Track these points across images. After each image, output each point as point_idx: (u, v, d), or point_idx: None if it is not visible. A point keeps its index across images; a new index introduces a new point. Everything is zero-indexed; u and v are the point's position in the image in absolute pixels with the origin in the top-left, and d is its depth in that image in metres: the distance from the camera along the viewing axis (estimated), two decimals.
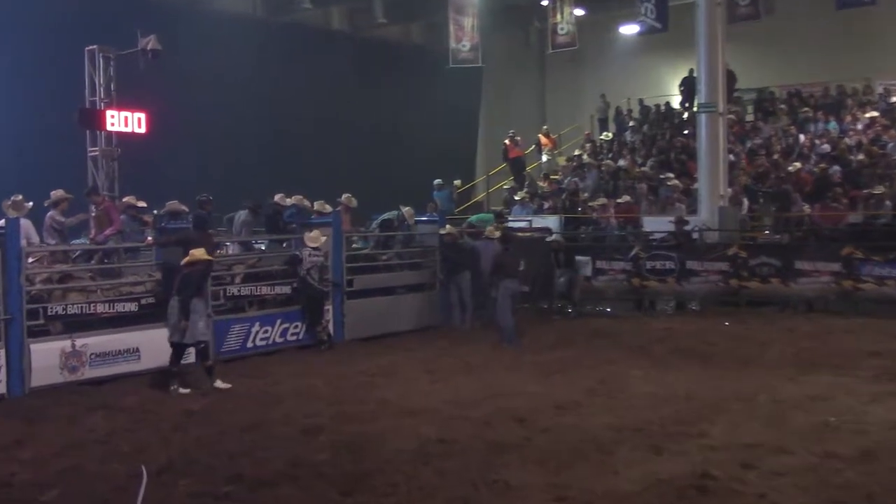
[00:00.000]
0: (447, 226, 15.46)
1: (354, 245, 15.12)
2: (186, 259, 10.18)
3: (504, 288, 12.94)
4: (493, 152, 26.44)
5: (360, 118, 23.58)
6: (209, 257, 10.34)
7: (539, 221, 18.83)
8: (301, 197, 15.07)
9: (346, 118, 23.15)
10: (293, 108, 22.60)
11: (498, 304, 12.97)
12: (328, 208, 14.83)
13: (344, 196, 15.24)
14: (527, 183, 22.89)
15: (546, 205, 20.49)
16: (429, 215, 16.69)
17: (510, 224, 17.84)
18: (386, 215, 15.49)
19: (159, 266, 11.50)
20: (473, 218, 17.57)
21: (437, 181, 21.21)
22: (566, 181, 21.64)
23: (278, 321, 12.62)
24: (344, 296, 13.53)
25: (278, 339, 12.66)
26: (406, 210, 15.26)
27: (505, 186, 23.03)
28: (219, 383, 10.11)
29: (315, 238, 12.85)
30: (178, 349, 10.12)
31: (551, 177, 22.61)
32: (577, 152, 24.23)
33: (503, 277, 12.91)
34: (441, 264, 15.12)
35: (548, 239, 16.76)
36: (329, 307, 13.24)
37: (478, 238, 15.44)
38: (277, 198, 14.74)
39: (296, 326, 12.95)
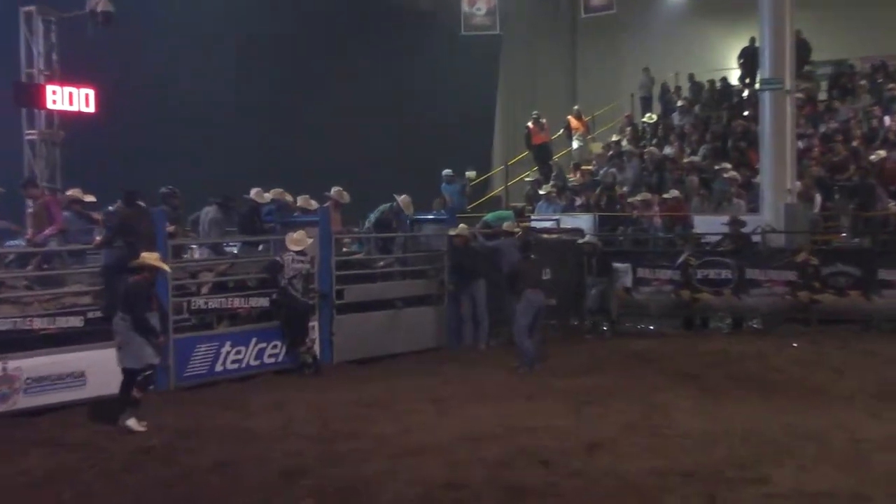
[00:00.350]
0: (459, 225, 15.49)
1: (346, 249, 15.26)
2: (135, 263, 10.23)
3: (525, 301, 13.02)
4: (514, 138, 26.50)
5: (356, 98, 23.76)
6: (161, 264, 10.38)
7: (568, 221, 18.80)
8: (281, 191, 15.09)
9: (339, 98, 23.33)
10: (275, 84, 22.80)
11: (517, 321, 13.06)
12: (314, 204, 14.92)
13: (334, 190, 15.28)
14: (554, 174, 22.74)
15: (577, 201, 20.43)
16: (436, 213, 16.80)
17: (533, 224, 17.98)
18: (381, 208, 15.58)
19: (101, 271, 11.63)
20: (490, 216, 17.50)
21: (446, 172, 21.20)
22: (601, 172, 21.58)
23: (253, 340, 12.76)
24: (333, 310, 13.61)
25: (253, 362, 12.80)
26: (402, 199, 15.31)
27: (527, 179, 23.02)
28: (132, 423, 9.95)
29: (299, 240, 12.94)
30: (130, 375, 10.13)
31: (583, 167, 22.59)
32: (614, 138, 24.07)
33: (524, 288, 12.99)
34: (451, 272, 15.23)
35: (579, 242, 16.84)
36: (315, 323, 13.35)
37: (493, 238, 15.63)
38: (254, 192, 14.79)
39: (274, 346, 13.07)
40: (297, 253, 12.93)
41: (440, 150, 22.99)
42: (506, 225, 15.65)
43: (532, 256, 13.52)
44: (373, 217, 15.74)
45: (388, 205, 15.46)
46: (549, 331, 15.11)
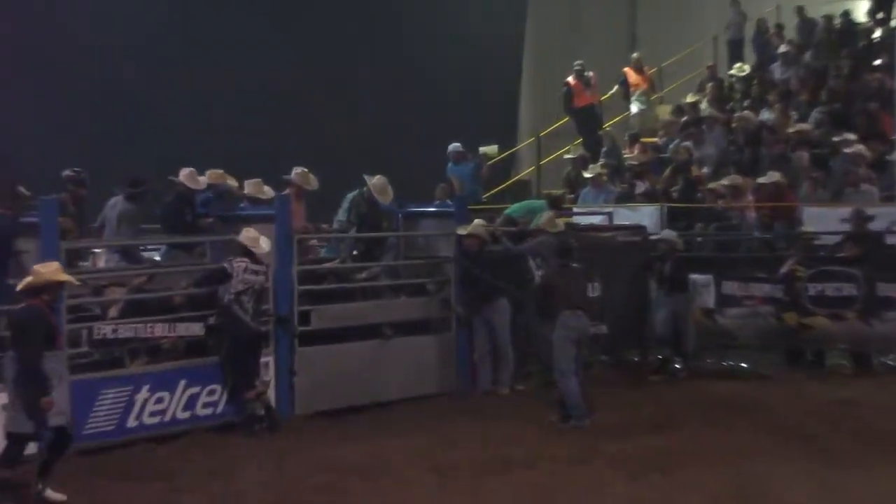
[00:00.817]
0: (472, 221, 15.62)
1: (313, 254, 15.61)
2: (25, 283, 10.36)
3: (563, 328, 13.22)
4: (549, 99, 26.64)
5: (326, 45, 23.98)
6: (65, 277, 10.55)
7: (625, 215, 18.87)
8: (221, 173, 15.30)
9: (302, 47, 23.62)
10: (212, 27, 23.02)
11: (556, 357, 13.27)
12: (268, 192, 15.16)
13: (296, 172, 15.45)
14: (604, 150, 22.82)
15: (638, 187, 20.44)
16: (440, 204, 17.05)
17: (575, 219, 18.16)
18: (349, 196, 15.75)
19: None
20: (515, 208, 17.76)
21: (454, 147, 21.08)
22: (671, 147, 21.60)
23: (182, 384, 12.92)
24: (294, 339, 13.84)
25: (181, 414, 12.90)
26: (375, 181, 15.38)
27: (567, 156, 23.04)
28: (49, 493, 10.20)
29: (254, 241, 13.15)
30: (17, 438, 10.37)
31: (646, 139, 22.62)
32: (689, 98, 24.15)
33: (561, 309, 13.21)
34: (460, 287, 15.42)
35: (653, 239, 17.04)
36: (269, 359, 13.52)
37: (521, 238, 15.87)
38: (184, 175, 14.89)
39: (212, 392, 13.17)
40: (253, 261, 13.12)
41: (446, 117, 23.32)
42: (543, 220, 15.90)
43: (573, 265, 13.66)
44: (343, 211, 15.78)
45: (357, 191, 15.58)
46: (597, 369, 15.38)
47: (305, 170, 15.47)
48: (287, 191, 15.07)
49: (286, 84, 23.72)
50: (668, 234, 17.05)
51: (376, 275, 15.48)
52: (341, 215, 15.76)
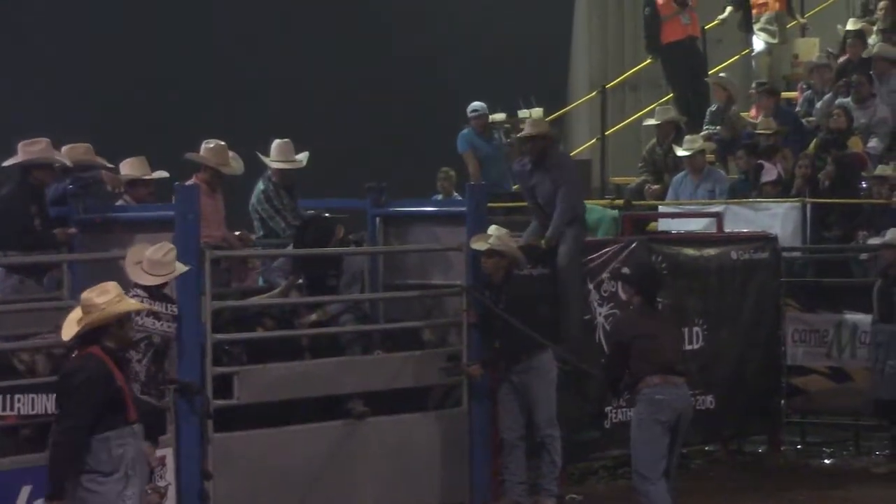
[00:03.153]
0: (489, 228, 13.45)
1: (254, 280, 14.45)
2: None
3: (648, 406, 11.71)
4: (618, 30, 24.46)
5: None
6: None
7: (744, 217, 16.96)
8: (87, 147, 13.25)
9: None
10: None
11: (635, 449, 11.76)
12: (150, 176, 13.41)
13: (207, 146, 13.46)
14: (710, 111, 20.03)
15: (766, 171, 17.83)
16: (445, 202, 16.01)
17: (661, 225, 17.28)
18: (258, 187, 14.29)
19: None
20: None
21: (475, 108, 18.96)
22: (819, 106, 19.31)
23: (25, 491, 10.94)
24: (208, 421, 11.91)
25: None
26: (276, 146, 14.13)
27: (650, 121, 20.11)
28: None
29: (156, 263, 11.40)
30: None
31: (777, 93, 19.88)
32: (849, 25, 20.75)
33: (643, 378, 11.72)
34: (476, 334, 13.43)
35: (878, 244, 15.45)
36: (166, 452, 11.49)
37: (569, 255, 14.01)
38: (25, 148, 12.79)
39: None
40: (153, 294, 11.28)
41: (465, 66, 21.77)
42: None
43: (658, 304, 12.64)
44: (265, 212, 14.19)
45: (262, 179, 14.21)
46: (699, 466, 14.56)
47: (219, 143, 13.44)
48: (194, 178, 13.06)
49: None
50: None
51: (335, 315, 13.36)
52: (265, 228, 14.25)
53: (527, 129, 14.43)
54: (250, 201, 14.33)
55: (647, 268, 13.20)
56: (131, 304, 9.61)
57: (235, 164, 13.49)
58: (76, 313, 9.43)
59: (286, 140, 14.11)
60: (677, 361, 11.93)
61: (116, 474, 9.18)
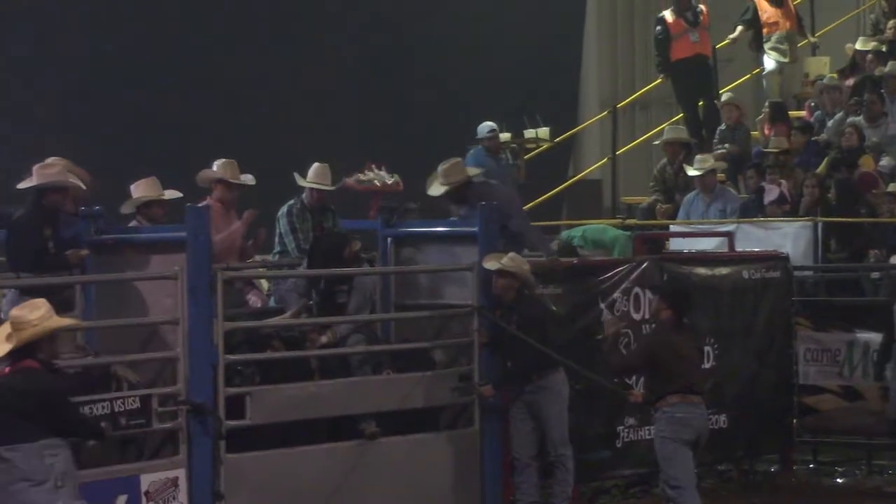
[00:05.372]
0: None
1: (252, 297, 14.27)
2: None
3: (671, 425, 11.89)
4: (628, 51, 24.95)
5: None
6: None
7: (754, 236, 17.11)
8: (61, 168, 13.13)
9: None
10: None
11: (665, 464, 11.96)
12: (163, 196, 13.44)
13: (219, 164, 13.76)
14: (721, 128, 20.10)
15: (773, 191, 17.80)
16: (456, 222, 15.00)
17: (672, 245, 17.54)
18: (285, 209, 14.30)
19: None
20: (573, 233, 16.65)
21: (485, 128, 18.74)
22: (830, 124, 19.49)
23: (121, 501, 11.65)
24: (220, 441, 11.98)
25: None
26: (314, 172, 14.21)
27: (660, 140, 20.11)
28: None
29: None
30: None
31: (788, 113, 20.42)
32: (858, 45, 21.30)
33: (664, 396, 11.91)
34: (486, 353, 13.52)
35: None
36: (179, 473, 11.86)
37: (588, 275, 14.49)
38: (40, 172, 12.83)
39: None
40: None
41: (473, 84, 22.33)
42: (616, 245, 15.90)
43: (683, 322, 12.43)
44: (286, 235, 14.14)
45: (293, 201, 14.07)
46: (710, 483, 14.14)
47: (232, 161, 13.81)
48: (206, 201, 13.28)
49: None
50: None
51: (345, 335, 13.50)
52: (281, 244, 14.31)
53: (441, 180, 14.44)
54: (283, 217, 14.38)
55: (681, 285, 13.43)
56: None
57: (248, 177, 13.81)
58: (4, 329, 9.86)
59: (325, 164, 14.23)
60: (699, 381, 12.15)
61: (47, 484, 9.40)
